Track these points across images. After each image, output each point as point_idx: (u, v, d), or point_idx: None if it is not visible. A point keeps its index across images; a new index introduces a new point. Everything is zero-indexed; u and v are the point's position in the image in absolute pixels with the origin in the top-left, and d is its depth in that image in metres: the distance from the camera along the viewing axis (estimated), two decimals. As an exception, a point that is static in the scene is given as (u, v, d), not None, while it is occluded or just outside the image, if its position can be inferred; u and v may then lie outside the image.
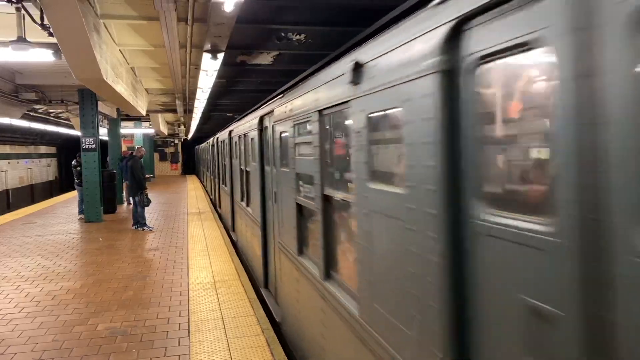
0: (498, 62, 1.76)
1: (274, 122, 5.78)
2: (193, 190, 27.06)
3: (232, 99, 17.58)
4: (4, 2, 6.52)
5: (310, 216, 4.53)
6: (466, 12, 1.86)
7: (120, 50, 10.25)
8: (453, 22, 1.93)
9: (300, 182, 4.74)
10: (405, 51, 2.31)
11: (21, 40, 7.26)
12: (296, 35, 8.40)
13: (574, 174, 1.40)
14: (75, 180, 16.04)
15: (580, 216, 1.37)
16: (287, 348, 5.68)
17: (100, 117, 16.08)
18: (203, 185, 30.52)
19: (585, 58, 1.35)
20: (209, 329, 5.99)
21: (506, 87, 1.84)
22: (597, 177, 1.31)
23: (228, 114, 23.48)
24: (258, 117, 7.08)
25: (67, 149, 41.61)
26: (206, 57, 8.17)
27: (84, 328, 6.12)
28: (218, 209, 17.38)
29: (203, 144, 29.57)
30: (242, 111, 17.53)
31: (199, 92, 12.73)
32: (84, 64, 7.81)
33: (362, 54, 2.87)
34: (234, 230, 12.25)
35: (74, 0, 6.07)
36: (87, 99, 15.03)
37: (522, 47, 1.61)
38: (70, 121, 25.18)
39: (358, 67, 2.83)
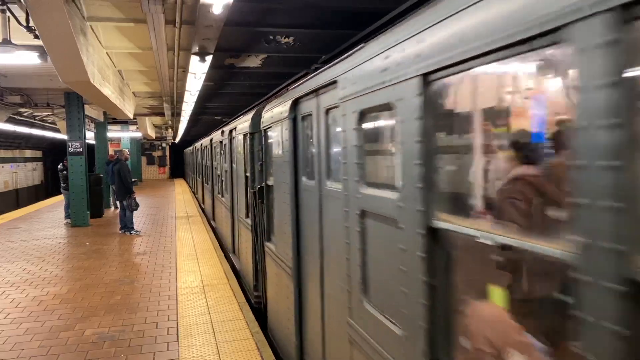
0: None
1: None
2: (181, 194, 26.90)
3: (221, 102, 17.50)
4: (-11, 4, 6.45)
5: None
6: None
7: (107, 52, 10.17)
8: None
9: None
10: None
11: (6, 42, 7.18)
12: (285, 38, 8.40)
13: None
14: (62, 185, 15.87)
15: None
16: None
17: (86, 120, 15.93)
18: (192, 190, 30.34)
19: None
20: (198, 333, 5.95)
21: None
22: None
23: (216, 117, 23.38)
24: (310, 91, 3.93)
25: (53, 152, 41.22)
26: (194, 59, 8.14)
27: (71, 334, 6.04)
28: (212, 222, 14.77)
29: (195, 145, 25.91)
30: (230, 114, 17.49)
31: (186, 95, 12.66)
32: (71, 66, 7.74)
33: None
34: (234, 252, 9.80)
35: (60, 3, 6.01)
36: (73, 102, 14.89)
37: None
38: (56, 125, 24.94)
39: None
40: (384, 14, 2.94)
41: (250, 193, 6.87)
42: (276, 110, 5.03)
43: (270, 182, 5.77)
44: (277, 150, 5.08)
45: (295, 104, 4.41)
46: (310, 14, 7.37)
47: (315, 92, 3.79)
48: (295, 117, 4.44)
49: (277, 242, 5.38)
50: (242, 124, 7.75)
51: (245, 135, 7.30)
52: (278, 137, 5.00)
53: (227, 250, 10.76)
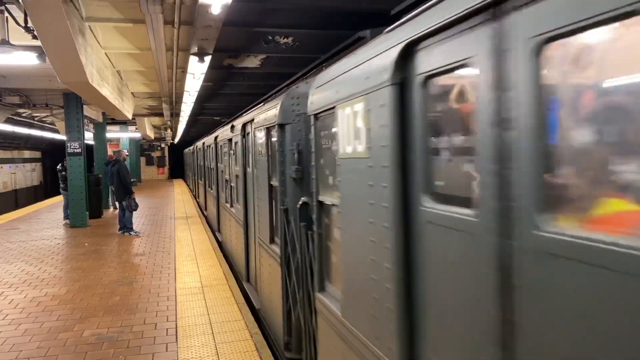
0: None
1: None
2: (180, 195, 26.90)
3: (220, 102, 17.51)
4: (-13, 5, 6.44)
5: None
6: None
7: (105, 53, 10.15)
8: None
9: None
10: None
11: (4, 43, 7.16)
12: (284, 39, 8.39)
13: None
14: (61, 185, 15.87)
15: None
16: None
17: (85, 121, 15.91)
18: (192, 193, 30.32)
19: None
20: (197, 334, 5.94)
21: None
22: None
23: (215, 118, 23.38)
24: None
25: (52, 153, 41.17)
26: (193, 60, 8.13)
27: (69, 334, 6.03)
28: (217, 233, 13.12)
29: (196, 145, 23.61)
30: (229, 115, 17.47)
31: (185, 95, 12.65)
32: (69, 67, 7.72)
33: None
34: (248, 280, 8.12)
35: (59, 3, 5.99)
36: (72, 102, 14.89)
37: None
38: (55, 125, 24.88)
39: None
40: (383, 13, 2.91)
41: (281, 211, 5.14)
42: (350, 76, 3.10)
43: (326, 199, 3.85)
44: (349, 147, 3.10)
45: (408, 53, 2.37)
46: (310, 14, 7.36)
47: (497, 3, 1.70)
48: (404, 80, 2.41)
49: (346, 305, 3.30)
50: (265, 113, 5.84)
51: (269, 129, 5.64)
52: (350, 123, 3.04)
53: (238, 276, 9.01)
